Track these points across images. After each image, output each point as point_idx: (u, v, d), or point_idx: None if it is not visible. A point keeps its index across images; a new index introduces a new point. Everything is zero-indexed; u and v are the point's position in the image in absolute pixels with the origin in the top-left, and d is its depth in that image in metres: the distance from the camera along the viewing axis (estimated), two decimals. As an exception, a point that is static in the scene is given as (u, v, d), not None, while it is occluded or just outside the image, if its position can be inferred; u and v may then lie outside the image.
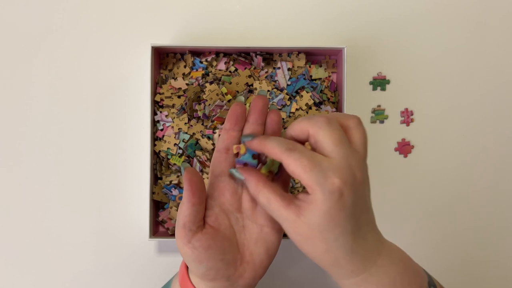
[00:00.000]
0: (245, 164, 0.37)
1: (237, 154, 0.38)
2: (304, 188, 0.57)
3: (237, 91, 0.56)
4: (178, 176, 0.57)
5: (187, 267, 0.38)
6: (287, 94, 0.58)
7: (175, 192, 0.57)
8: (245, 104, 0.55)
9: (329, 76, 0.59)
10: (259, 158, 0.37)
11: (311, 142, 0.34)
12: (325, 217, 0.31)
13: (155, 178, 0.57)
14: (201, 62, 0.58)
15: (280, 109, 0.57)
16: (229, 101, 0.55)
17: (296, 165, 0.31)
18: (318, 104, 0.58)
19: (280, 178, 0.38)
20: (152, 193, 0.55)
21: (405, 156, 0.61)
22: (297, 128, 0.34)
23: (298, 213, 0.32)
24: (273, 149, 0.33)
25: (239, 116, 0.38)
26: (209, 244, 0.35)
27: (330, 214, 0.31)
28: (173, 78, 0.58)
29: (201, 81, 0.57)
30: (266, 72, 0.58)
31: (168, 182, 0.57)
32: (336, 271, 0.34)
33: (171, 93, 0.57)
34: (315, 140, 0.33)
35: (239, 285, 0.36)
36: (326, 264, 0.33)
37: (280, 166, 0.37)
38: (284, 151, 0.32)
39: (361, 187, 0.33)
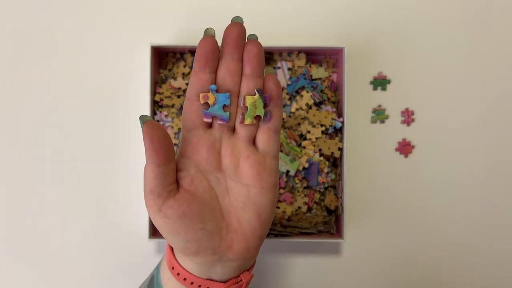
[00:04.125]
0: (215, 118, 0.30)
1: (205, 105, 0.30)
2: (305, 188, 0.57)
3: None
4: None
5: None
6: (287, 93, 0.57)
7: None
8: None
9: (330, 76, 0.59)
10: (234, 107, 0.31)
11: None
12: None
13: (155, 178, 0.57)
14: (201, 62, 0.58)
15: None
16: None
17: None
18: (318, 104, 0.58)
19: (270, 123, 0.32)
20: (152, 193, 0.55)
21: (406, 156, 0.61)
22: None
23: None
24: None
25: (210, 53, 0.30)
26: (183, 211, 0.29)
27: None
28: (172, 78, 0.58)
29: (201, 81, 0.57)
30: (266, 72, 0.58)
31: (168, 182, 0.57)
32: None
33: (171, 93, 0.57)
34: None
35: (229, 259, 0.31)
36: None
37: (265, 105, 0.31)
38: None
39: None
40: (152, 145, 0.29)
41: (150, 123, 0.29)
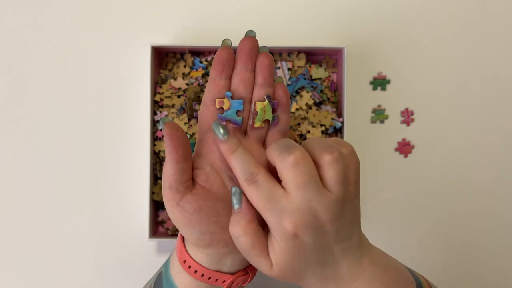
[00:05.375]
0: (228, 121, 0.34)
1: (220, 110, 0.34)
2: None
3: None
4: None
5: (183, 238, 0.36)
6: (287, 94, 0.57)
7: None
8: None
9: (329, 76, 0.59)
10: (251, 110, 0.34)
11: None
12: (286, 255, 0.31)
13: (155, 178, 0.57)
14: (201, 62, 0.58)
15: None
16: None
17: (254, 199, 0.30)
18: (318, 104, 0.58)
19: (278, 127, 0.35)
20: (152, 193, 0.55)
21: (406, 156, 0.61)
22: (268, 155, 0.31)
23: (269, 256, 0.31)
24: (235, 171, 0.31)
25: (226, 62, 0.33)
26: (199, 205, 0.32)
27: (290, 252, 0.30)
28: (173, 78, 0.58)
29: (201, 81, 0.57)
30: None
31: (168, 182, 0.57)
32: None
33: (171, 93, 0.57)
34: (280, 177, 0.30)
35: (239, 251, 0.34)
36: None
37: (274, 111, 0.34)
38: (244, 180, 0.31)
39: (327, 226, 0.30)
40: (171, 142, 0.31)
41: (170, 124, 0.32)
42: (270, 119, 0.34)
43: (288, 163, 0.29)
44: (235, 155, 0.31)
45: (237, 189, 0.32)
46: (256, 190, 0.30)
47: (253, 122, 0.34)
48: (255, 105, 0.34)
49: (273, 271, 0.31)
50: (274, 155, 0.30)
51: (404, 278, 0.35)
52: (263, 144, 0.35)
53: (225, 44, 0.33)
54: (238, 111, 0.33)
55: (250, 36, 0.33)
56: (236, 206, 0.32)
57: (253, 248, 0.31)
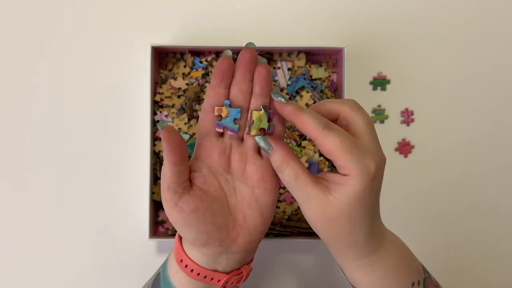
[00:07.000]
0: (226, 128, 0.35)
1: (219, 117, 0.35)
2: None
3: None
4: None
5: (181, 238, 0.37)
6: (287, 94, 0.58)
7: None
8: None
9: (329, 76, 0.59)
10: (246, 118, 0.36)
11: (341, 124, 0.34)
12: (358, 198, 0.32)
13: (155, 178, 0.57)
14: (201, 62, 0.58)
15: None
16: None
17: (334, 145, 0.32)
18: (318, 104, 0.58)
19: (273, 135, 0.37)
20: (152, 193, 0.55)
21: (406, 156, 0.61)
22: (326, 108, 0.34)
23: (326, 192, 0.33)
24: (309, 124, 0.32)
25: (226, 72, 0.35)
26: (196, 205, 0.34)
27: (363, 195, 0.32)
28: (173, 78, 0.58)
29: (201, 81, 0.57)
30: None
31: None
32: (351, 252, 0.35)
33: (171, 93, 0.57)
34: (347, 122, 0.34)
35: (234, 250, 0.36)
36: (343, 245, 0.34)
37: (269, 120, 0.35)
38: (322, 129, 0.32)
39: (383, 171, 0.34)
40: (169, 146, 0.33)
41: (167, 128, 0.33)
42: (266, 128, 0.35)
43: (354, 105, 0.34)
44: (305, 112, 0.33)
45: (260, 136, 0.35)
46: (336, 135, 0.32)
47: (249, 130, 0.35)
48: (251, 114, 0.35)
49: (326, 205, 0.33)
50: (337, 104, 0.34)
51: (415, 266, 0.39)
52: (259, 150, 0.37)
53: (226, 54, 0.35)
54: (235, 119, 0.35)
55: (250, 48, 0.35)
56: (269, 150, 0.34)
57: (296, 179, 0.33)
